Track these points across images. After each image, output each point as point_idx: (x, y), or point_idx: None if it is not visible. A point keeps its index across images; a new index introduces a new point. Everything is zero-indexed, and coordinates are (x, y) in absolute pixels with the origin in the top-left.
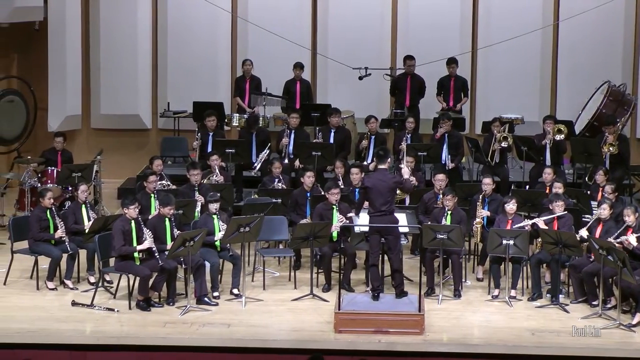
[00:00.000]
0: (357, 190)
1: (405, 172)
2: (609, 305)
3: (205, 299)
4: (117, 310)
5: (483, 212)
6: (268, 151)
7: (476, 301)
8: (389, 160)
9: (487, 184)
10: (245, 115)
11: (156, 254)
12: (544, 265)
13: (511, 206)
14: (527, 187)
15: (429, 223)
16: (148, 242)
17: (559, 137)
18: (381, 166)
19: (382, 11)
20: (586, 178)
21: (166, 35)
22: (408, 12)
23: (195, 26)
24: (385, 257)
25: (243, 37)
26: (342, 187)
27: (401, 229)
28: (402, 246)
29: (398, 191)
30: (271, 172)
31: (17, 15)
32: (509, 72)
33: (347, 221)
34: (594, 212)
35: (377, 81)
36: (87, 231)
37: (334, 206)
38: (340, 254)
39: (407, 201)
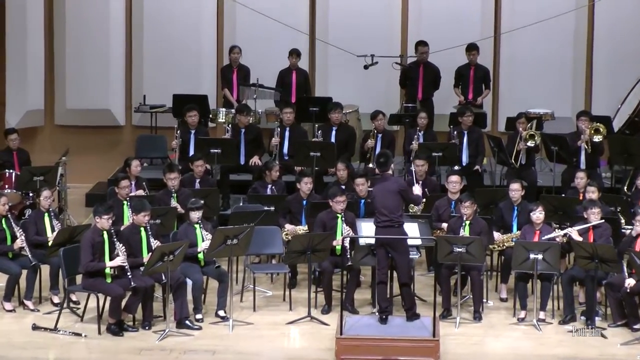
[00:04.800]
0: (362, 201)
1: (417, 190)
2: None
3: (187, 322)
4: (85, 336)
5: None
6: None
7: (499, 325)
8: (392, 166)
9: (515, 190)
10: (232, 110)
11: (128, 273)
12: (578, 283)
13: (538, 214)
14: (558, 192)
15: (444, 234)
16: (120, 259)
17: (597, 138)
18: (384, 173)
19: None
20: (626, 183)
21: (142, 18)
22: None
23: (176, 8)
24: (395, 274)
25: (230, 20)
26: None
27: (412, 241)
28: (413, 262)
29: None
30: (264, 177)
31: None
32: (537, 61)
33: (353, 233)
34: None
35: (385, 71)
36: (50, 244)
37: (339, 215)
38: (342, 270)
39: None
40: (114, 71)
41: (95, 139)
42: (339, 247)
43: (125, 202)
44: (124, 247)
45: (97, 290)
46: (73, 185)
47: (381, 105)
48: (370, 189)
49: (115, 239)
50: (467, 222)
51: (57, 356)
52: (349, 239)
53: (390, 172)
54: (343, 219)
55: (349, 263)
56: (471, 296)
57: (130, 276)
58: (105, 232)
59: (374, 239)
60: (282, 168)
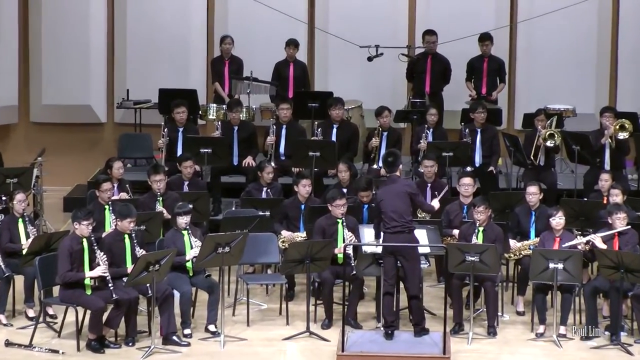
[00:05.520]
0: (365, 206)
1: (436, 203)
2: None
3: (174, 337)
4: (63, 352)
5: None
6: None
7: (516, 340)
8: (400, 166)
9: (533, 193)
10: (224, 106)
11: (110, 285)
12: (602, 295)
13: (558, 220)
14: (580, 196)
15: (455, 241)
16: (101, 269)
17: (622, 135)
18: (392, 174)
19: None
20: None
21: (125, 6)
22: None
23: None
24: (402, 286)
25: (222, 7)
26: (348, 196)
27: (420, 249)
28: (422, 271)
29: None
30: (259, 179)
31: None
32: (557, 52)
33: (355, 240)
34: None
35: (391, 63)
36: (25, 252)
37: (340, 220)
38: (344, 280)
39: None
40: (94, 63)
41: (73, 138)
42: (340, 256)
43: (107, 207)
44: (105, 256)
45: (76, 303)
46: (49, 188)
47: (386, 100)
48: (375, 192)
49: (95, 247)
50: (481, 229)
51: None
52: (351, 246)
53: (398, 173)
54: (344, 224)
55: (354, 272)
56: (485, 309)
57: (111, 288)
58: (84, 240)
59: (379, 247)
60: (277, 169)
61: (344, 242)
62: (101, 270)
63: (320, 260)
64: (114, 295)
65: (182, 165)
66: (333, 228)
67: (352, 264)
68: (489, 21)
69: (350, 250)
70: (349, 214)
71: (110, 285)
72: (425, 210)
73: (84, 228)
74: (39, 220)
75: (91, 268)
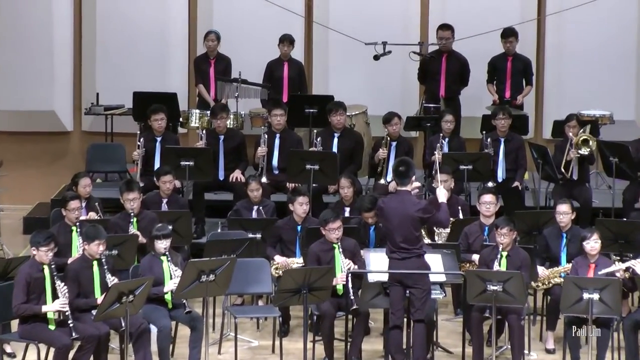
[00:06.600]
0: (372, 227)
1: (441, 194)
2: None
3: None
4: None
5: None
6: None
7: None
8: (413, 178)
9: (564, 212)
10: (208, 112)
11: (69, 322)
12: None
13: (593, 244)
14: (619, 216)
15: (474, 268)
16: (59, 302)
17: None
18: (402, 187)
19: None
20: None
21: None
22: None
23: None
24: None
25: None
26: (348, 216)
27: (435, 277)
28: (435, 303)
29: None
30: (248, 196)
31: None
32: (591, 49)
33: (356, 267)
34: None
35: (401, 62)
36: None
37: (336, 246)
38: (346, 313)
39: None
40: (58, 63)
41: (35, 149)
42: (340, 287)
43: (74, 228)
44: (65, 287)
45: (38, 339)
46: (7, 207)
47: (395, 105)
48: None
49: (55, 276)
50: (504, 254)
51: None
52: (349, 275)
53: (409, 188)
54: (340, 250)
55: (354, 307)
56: (509, 347)
57: (71, 325)
58: (46, 267)
59: (386, 274)
60: (270, 185)
61: (342, 270)
62: (59, 303)
63: (319, 289)
64: (73, 334)
65: (160, 181)
66: (329, 254)
67: (351, 297)
68: (513, 14)
69: (349, 280)
70: (352, 236)
71: (70, 322)
72: (440, 221)
73: (42, 254)
74: None
75: (54, 299)
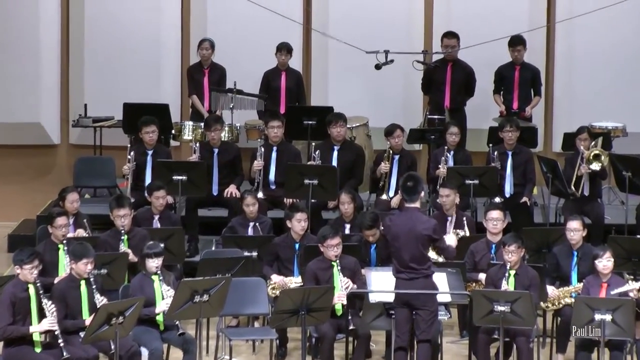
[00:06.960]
0: (373, 246)
1: (451, 240)
2: None
3: None
4: None
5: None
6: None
7: None
8: (422, 194)
9: (575, 229)
10: (202, 124)
11: (60, 341)
12: None
13: (605, 262)
14: (632, 233)
15: (481, 287)
16: (48, 322)
17: None
18: (411, 204)
19: None
20: None
21: (83, 5)
22: None
23: None
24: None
25: (199, 6)
26: (348, 233)
27: (439, 297)
28: (440, 325)
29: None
30: (244, 212)
31: None
32: (603, 59)
33: (355, 286)
34: None
35: (404, 72)
36: None
37: (334, 264)
38: (347, 335)
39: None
40: (45, 73)
41: (20, 163)
42: (339, 307)
43: (61, 246)
44: (54, 306)
45: None
46: None
47: (398, 117)
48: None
49: (42, 295)
50: (512, 272)
51: None
52: (347, 295)
53: (418, 204)
54: (339, 268)
55: (351, 327)
56: None
57: (62, 344)
58: (31, 286)
59: (391, 295)
60: (266, 200)
61: (340, 289)
62: (48, 323)
63: (318, 310)
64: (64, 354)
65: (152, 196)
66: (327, 273)
67: (349, 317)
68: (521, 21)
69: (344, 300)
70: (352, 254)
71: (60, 341)
72: (446, 253)
73: (27, 273)
74: None
75: (41, 320)
